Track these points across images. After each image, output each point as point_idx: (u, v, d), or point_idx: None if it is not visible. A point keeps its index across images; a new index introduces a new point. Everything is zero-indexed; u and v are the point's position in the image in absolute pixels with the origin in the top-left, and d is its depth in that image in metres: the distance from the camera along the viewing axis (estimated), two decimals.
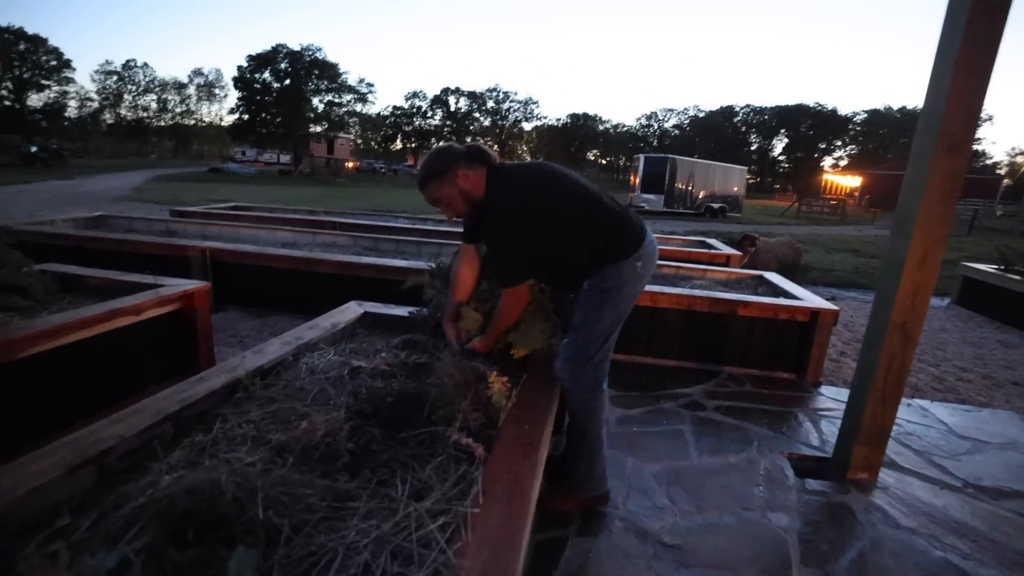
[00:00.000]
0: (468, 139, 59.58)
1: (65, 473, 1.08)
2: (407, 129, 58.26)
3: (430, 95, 57.83)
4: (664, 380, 3.00)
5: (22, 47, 41.52)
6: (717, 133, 59.64)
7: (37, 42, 42.41)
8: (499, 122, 58.77)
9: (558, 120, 63.23)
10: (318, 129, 41.76)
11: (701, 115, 62.68)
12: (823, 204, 24.32)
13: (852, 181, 36.20)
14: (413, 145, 58.84)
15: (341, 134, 45.50)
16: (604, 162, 67.18)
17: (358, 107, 43.58)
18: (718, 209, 20.42)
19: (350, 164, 45.56)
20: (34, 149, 26.25)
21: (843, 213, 22.40)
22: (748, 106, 60.66)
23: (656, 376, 3.03)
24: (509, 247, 1.58)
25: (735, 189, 22.02)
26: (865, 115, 56.38)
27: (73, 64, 45.43)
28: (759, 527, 1.83)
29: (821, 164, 57.43)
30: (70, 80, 45.55)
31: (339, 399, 1.49)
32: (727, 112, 61.35)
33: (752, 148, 61.04)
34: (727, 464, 2.21)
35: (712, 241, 5.85)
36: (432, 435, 1.31)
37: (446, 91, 57.34)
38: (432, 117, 58.18)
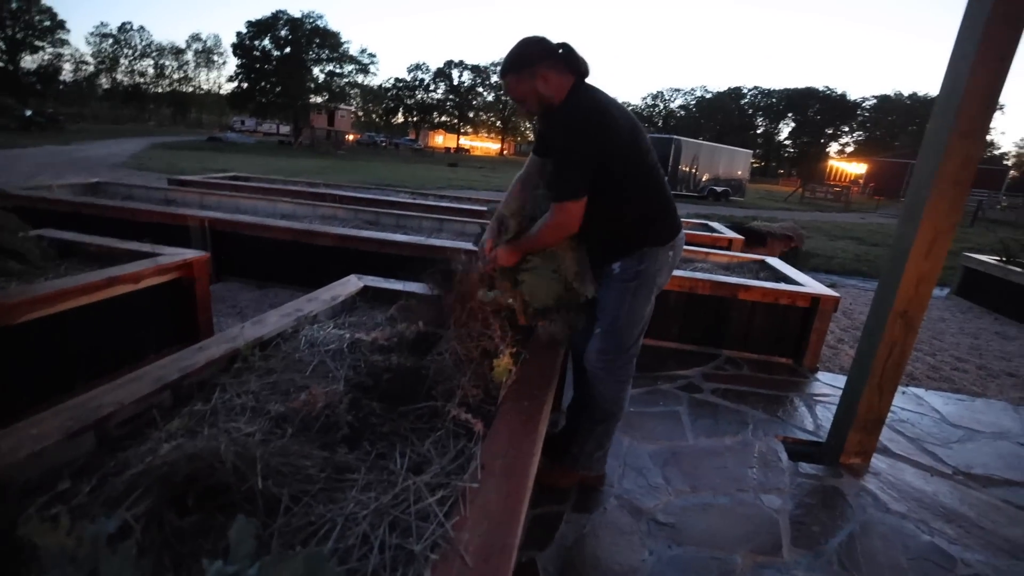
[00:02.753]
0: (471, 114, 58.73)
1: (65, 438, 1.07)
2: (409, 102, 57.32)
3: (433, 68, 56.80)
4: (663, 362, 3.00)
5: (14, 5, 40.39)
6: (723, 115, 58.82)
7: (30, 1, 41.26)
8: (503, 97, 57.84)
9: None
10: (319, 100, 41.10)
11: (708, 96, 61.73)
12: (827, 190, 24.17)
13: (857, 168, 35.90)
14: (415, 119, 57.97)
15: (342, 105, 44.79)
16: None
17: (359, 78, 42.88)
18: (721, 193, 20.26)
19: (351, 136, 44.91)
20: (29, 113, 25.81)
21: (847, 200, 22.27)
22: (756, 88, 59.72)
23: (655, 357, 3.04)
24: (573, 155, 1.45)
25: (739, 173, 21.81)
26: (875, 100, 55.55)
27: (67, 26, 44.29)
28: (752, 508, 1.85)
29: (827, 150, 56.85)
30: (64, 42, 44.57)
31: (338, 372, 1.48)
32: (735, 94, 60.39)
33: (758, 131, 60.30)
34: (723, 446, 2.23)
35: (715, 224, 5.81)
36: (431, 410, 1.31)
37: (449, 64, 56.27)
38: (435, 91, 57.21)
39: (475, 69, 56.34)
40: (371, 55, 42.09)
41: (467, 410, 1.31)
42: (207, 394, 1.36)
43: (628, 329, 1.66)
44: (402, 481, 1.04)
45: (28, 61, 43.00)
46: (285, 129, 45.18)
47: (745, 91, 60.18)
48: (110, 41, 51.45)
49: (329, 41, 39.38)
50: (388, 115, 59.27)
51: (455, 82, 56.57)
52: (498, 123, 60.62)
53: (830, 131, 57.45)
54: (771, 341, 3.19)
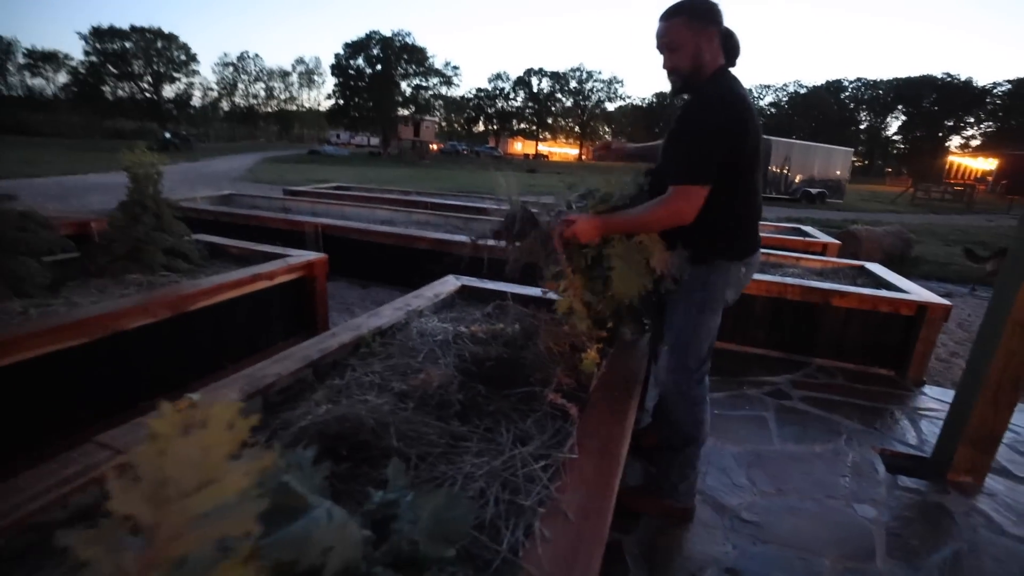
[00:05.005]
0: (549, 120, 59.03)
1: (244, 398, 1.35)
2: (489, 111, 58.84)
3: (513, 76, 57.94)
4: (748, 367, 2.96)
5: (159, 45, 47.00)
6: (820, 111, 54.46)
7: (171, 40, 47.80)
8: (582, 103, 57.69)
9: (643, 100, 60.87)
10: (406, 112, 43.49)
11: (802, 91, 57.48)
12: (944, 190, 21.63)
13: (986, 164, 31.74)
14: (495, 127, 59.37)
15: (427, 117, 47.04)
16: None
17: (443, 90, 44.85)
18: (816, 195, 18.85)
19: (434, 146, 47.05)
20: (167, 135, 29.68)
21: (970, 200, 19.80)
22: (860, 80, 54.69)
23: (740, 363, 3.00)
24: (709, 135, 1.35)
25: (837, 173, 20.17)
26: (1009, 86, 48.72)
27: (198, 58, 50.75)
28: (842, 515, 1.82)
29: (946, 144, 50.70)
30: (195, 72, 50.96)
31: (446, 359, 1.69)
32: (833, 87, 55.67)
33: (861, 127, 55.17)
34: (811, 452, 2.19)
35: (808, 228, 5.52)
36: (530, 394, 1.47)
37: (529, 72, 57.06)
38: (514, 98, 58.27)
39: (554, 76, 56.72)
40: (454, 67, 44.06)
41: (562, 396, 1.46)
42: (340, 372, 1.62)
43: (694, 346, 1.57)
44: (509, 450, 1.21)
45: (167, 91, 49.66)
46: (375, 141, 48.16)
47: (846, 84, 55.34)
48: (231, 69, 57.82)
49: (416, 56, 41.68)
50: (469, 124, 61.25)
51: (534, 89, 57.28)
52: (576, 128, 60.51)
53: (950, 123, 51.18)
54: (869, 351, 3.03)
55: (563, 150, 64.76)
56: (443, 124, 59.45)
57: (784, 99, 58.73)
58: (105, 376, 1.91)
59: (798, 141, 20.29)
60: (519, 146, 60.72)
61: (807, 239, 4.86)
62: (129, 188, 2.49)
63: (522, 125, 59.58)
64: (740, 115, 1.36)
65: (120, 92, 47.15)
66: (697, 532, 1.70)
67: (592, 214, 1.53)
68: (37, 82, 49.73)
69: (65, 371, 1.77)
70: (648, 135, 55.86)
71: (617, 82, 60.17)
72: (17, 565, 0.84)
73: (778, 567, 1.58)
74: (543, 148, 61.85)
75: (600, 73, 62.05)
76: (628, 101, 60.43)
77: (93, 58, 45.38)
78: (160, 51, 47.37)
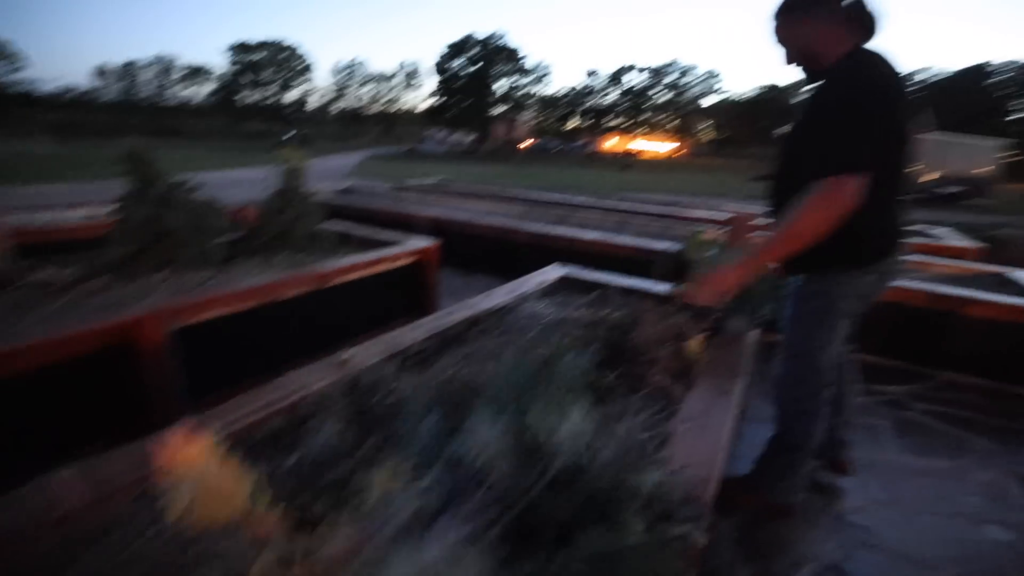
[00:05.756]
0: (644, 116, 57.35)
1: (385, 359, 1.59)
2: (583, 108, 58.39)
3: (606, 73, 56.99)
4: (862, 375, 2.79)
5: (283, 56, 52.60)
6: (959, 99, 47.60)
7: (292, 51, 53.28)
8: (677, 98, 55.37)
9: (743, 95, 57.11)
10: (500, 110, 44.56)
11: (937, 78, 50.62)
12: None
13: None
14: (588, 123, 58.82)
15: (520, 114, 47.86)
16: None
17: (535, 88, 45.30)
18: (954, 194, 16.62)
19: (527, 143, 47.71)
20: (286, 136, 32.99)
21: None
22: (1013, 63, 47.00)
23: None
24: (858, 115, 1.21)
25: (981, 169, 17.64)
26: None
27: (312, 67, 56.46)
28: (967, 533, 1.71)
29: None
30: (310, 79, 56.37)
31: (554, 339, 1.82)
32: (975, 72, 48.40)
33: (1014, 117, 47.44)
34: (932, 467, 2.05)
35: (938, 231, 4.98)
36: (633, 375, 1.57)
37: (622, 69, 55.82)
38: (608, 95, 57.31)
39: (648, 71, 55.01)
40: (546, 66, 44.34)
41: (665, 380, 1.54)
42: (460, 344, 1.81)
43: (807, 359, 1.46)
44: (622, 418, 1.31)
45: (288, 95, 55.55)
46: (469, 139, 49.84)
47: (991, 67, 47.79)
48: (341, 74, 62.76)
49: (510, 56, 42.58)
50: (562, 121, 61.23)
51: (628, 85, 55.94)
52: (672, 124, 58.22)
53: None
54: (1010, 367, 2.72)
55: (659, 146, 62.60)
56: (535, 121, 60.02)
57: (915, 88, 52.10)
58: (269, 336, 2.29)
59: (930, 135, 18.03)
60: (613, 142, 59.64)
61: (939, 243, 4.40)
62: (280, 180, 2.90)
63: (615, 122, 58.42)
64: (887, 87, 1.24)
65: (252, 99, 53.32)
66: (799, 525, 1.68)
67: (735, 262, 1.38)
68: (189, 91, 57.91)
69: (242, 330, 2.15)
70: (751, 130, 52.28)
71: (714, 76, 57.06)
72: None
73: (887, 574, 1.53)
74: (638, 145, 60.22)
75: (696, 67, 59.05)
76: (727, 95, 57.07)
77: (235, 67, 51.66)
78: (283, 61, 52.96)
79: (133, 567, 0.70)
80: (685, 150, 58.45)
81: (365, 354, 1.59)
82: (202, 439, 0.54)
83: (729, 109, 56.59)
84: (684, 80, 54.81)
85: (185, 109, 56.21)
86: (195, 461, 0.53)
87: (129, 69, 55.10)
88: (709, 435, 1.28)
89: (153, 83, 56.24)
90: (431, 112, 45.77)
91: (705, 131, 57.04)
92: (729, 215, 2.64)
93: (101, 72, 55.35)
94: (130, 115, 48.54)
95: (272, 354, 2.19)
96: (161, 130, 38.79)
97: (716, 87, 55.60)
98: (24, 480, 0.90)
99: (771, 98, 55.27)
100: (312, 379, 1.37)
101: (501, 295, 2.19)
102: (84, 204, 3.45)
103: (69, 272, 2.32)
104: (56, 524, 0.82)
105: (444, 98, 43.71)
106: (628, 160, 40.79)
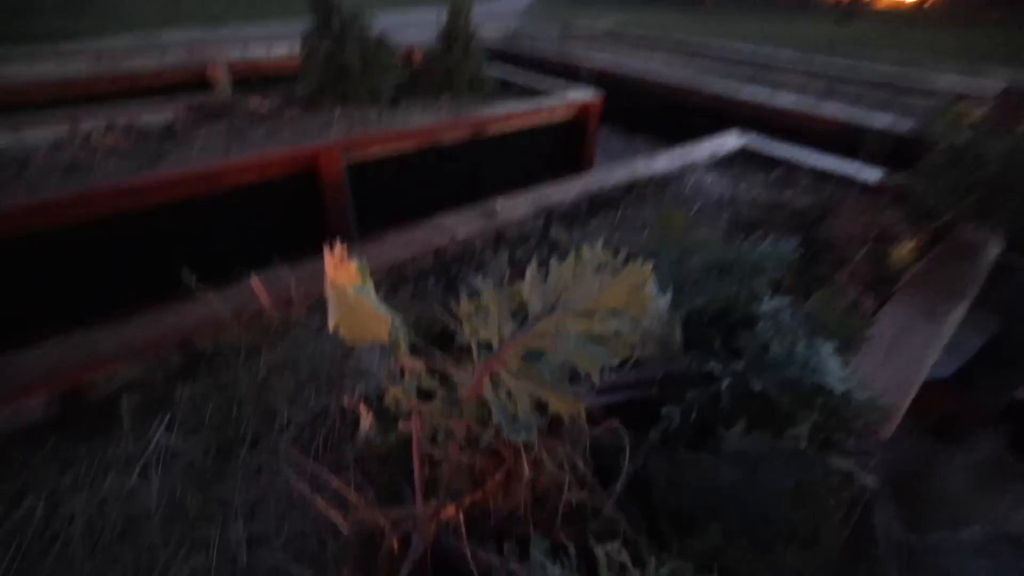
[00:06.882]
0: None
1: (535, 214, 1.54)
2: None
3: None
4: None
5: None
6: None
7: None
8: None
9: None
10: None
11: None
12: None
13: None
14: None
15: None
16: None
17: None
18: None
19: None
20: None
21: None
22: None
23: None
24: None
25: None
26: None
27: None
28: None
29: None
30: None
31: (720, 217, 1.60)
32: None
33: None
34: None
35: None
36: (822, 274, 1.32)
37: None
38: None
39: None
40: None
41: (858, 284, 1.27)
42: (614, 208, 1.69)
43: None
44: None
45: None
46: None
47: None
48: None
49: None
50: None
51: None
52: None
53: None
54: None
55: None
56: None
57: None
58: (427, 180, 2.38)
59: None
60: None
61: None
62: (446, 20, 2.77)
63: None
64: None
65: None
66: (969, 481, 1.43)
67: None
68: None
69: (403, 171, 2.26)
70: None
71: None
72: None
73: None
74: None
75: None
76: None
77: None
78: None
79: (304, 363, 0.81)
80: None
81: (514, 207, 1.56)
82: (361, 268, 0.57)
83: None
84: None
85: None
86: (352, 286, 0.55)
87: None
88: (896, 369, 1.05)
89: None
90: None
91: None
92: (998, 90, 1.99)
93: None
94: None
95: (428, 199, 2.29)
96: None
97: None
98: (228, 280, 1.08)
99: None
100: (461, 226, 1.38)
101: (665, 161, 1.94)
102: (288, 39, 3.76)
103: (270, 102, 2.62)
104: (252, 317, 0.98)
105: None
106: (852, 7, 31.76)
